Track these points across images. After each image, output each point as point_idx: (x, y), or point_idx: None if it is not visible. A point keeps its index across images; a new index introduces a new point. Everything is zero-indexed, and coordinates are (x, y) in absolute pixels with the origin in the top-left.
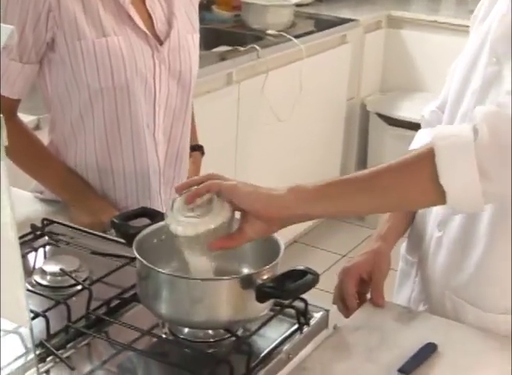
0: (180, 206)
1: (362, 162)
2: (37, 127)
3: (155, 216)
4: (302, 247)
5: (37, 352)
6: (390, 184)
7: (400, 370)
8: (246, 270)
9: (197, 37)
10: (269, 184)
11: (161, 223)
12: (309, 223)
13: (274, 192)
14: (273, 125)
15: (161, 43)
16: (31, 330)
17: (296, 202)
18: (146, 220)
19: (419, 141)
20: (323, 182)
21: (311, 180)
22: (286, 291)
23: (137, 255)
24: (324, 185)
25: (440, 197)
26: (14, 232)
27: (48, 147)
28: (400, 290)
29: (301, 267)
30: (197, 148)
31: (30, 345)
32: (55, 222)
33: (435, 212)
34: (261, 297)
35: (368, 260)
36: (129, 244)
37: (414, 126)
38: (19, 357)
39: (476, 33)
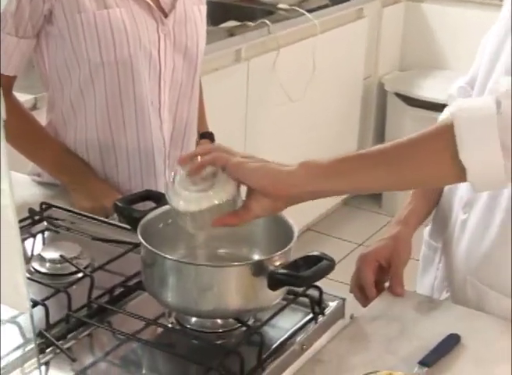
0: (182, 179)
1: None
2: (34, 107)
3: (161, 198)
4: (315, 235)
5: (32, 346)
6: (406, 158)
7: (420, 363)
8: (257, 256)
9: (204, 8)
10: None
11: (167, 207)
12: (323, 210)
13: (283, 168)
14: (285, 105)
15: (165, 15)
16: (31, 316)
17: (307, 178)
18: (151, 204)
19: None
20: (336, 157)
21: None
22: (300, 277)
23: (142, 241)
24: (337, 160)
25: (459, 173)
26: (14, 215)
27: (46, 127)
28: (422, 277)
29: (316, 253)
30: (206, 136)
31: (28, 335)
32: (54, 206)
33: (461, 194)
34: (274, 284)
35: (387, 246)
36: (133, 228)
37: (436, 107)
38: (17, 348)
39: (509, 5)
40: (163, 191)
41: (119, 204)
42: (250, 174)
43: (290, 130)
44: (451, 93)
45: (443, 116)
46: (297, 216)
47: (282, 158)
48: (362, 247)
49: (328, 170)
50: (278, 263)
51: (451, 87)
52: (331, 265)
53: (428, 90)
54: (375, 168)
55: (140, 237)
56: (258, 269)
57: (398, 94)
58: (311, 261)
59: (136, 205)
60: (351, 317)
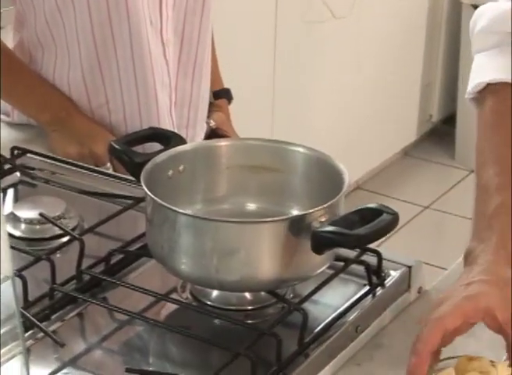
0: None
1: (452, 75)
2: None
3: (170, 138)
4: (367, 195)
5: (11, 326)
6: None
7: None
8: (296, 212)
9: None
10: (318, 108)
11: (179, 149)
12: (377, 162)
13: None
14: (326, 23)
15: None
16: (13, 279)
17: None
18: (157, 146)
19: None
20: None
21: (377, 106)
22: (352, 236)
23: (148, 192)
24: None
25: None
26: None
27: (14, 50)
28: None
29: (373, 205)
30: (222, 94)
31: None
32: (29, 152)
33: None
34: (319, 245)
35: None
36: (134, 177)
37: None
38: None
39: None
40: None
41: (116, 146)
42: None
43: (332, 57)
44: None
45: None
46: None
47: (320, 92)
48: (429, 210)
49: None
50: (324, 219)
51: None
52: (394, 219)
53: None
54: None
55: (144, 188)
56: (299, 226)
57: (476, 7)
58: (366, 215)
59: (137, 148)
60: (419, 291)
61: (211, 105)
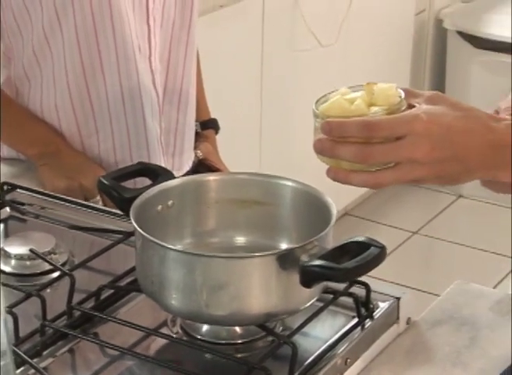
0: None
1: None
2: None
3: (159, 173)
4: (356, 221)
5: (3, 363)
6: None
7: None
8: (285, 246)
9: None
10: (306, 136)
11: (168, 184)
12: (364, 189)
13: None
14: (312, 52)
15: None
16: (4, 318)
17: None
18: (146, 180)
19: None
20: None
21: None
22: (341, 270)
23: (137, 227)
24: None
25: None
26: None
27: (2, 86)
28: None
29: (361, 238)
30: (209, 124)
31: None
32: (18, 187)
33: None
34: (308, 279)
35: None
36: (124, 212)
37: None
38: None
39: None
40: (159, 164)
41: (105, 181)
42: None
43: (319, 84)
44: None
45: None
46: (331, 197)
47: (308, 119)
48: (418, 236)
49: None
50: (312, 253)
51: None
52: (381, 253)
53: (500, 26)
54: None
55: (134, 224)
56: (288, 260)
57: (461, 33)
58: (354, 249)
59: (126, 183)
60: (408, 322)
61: (198, 135)
